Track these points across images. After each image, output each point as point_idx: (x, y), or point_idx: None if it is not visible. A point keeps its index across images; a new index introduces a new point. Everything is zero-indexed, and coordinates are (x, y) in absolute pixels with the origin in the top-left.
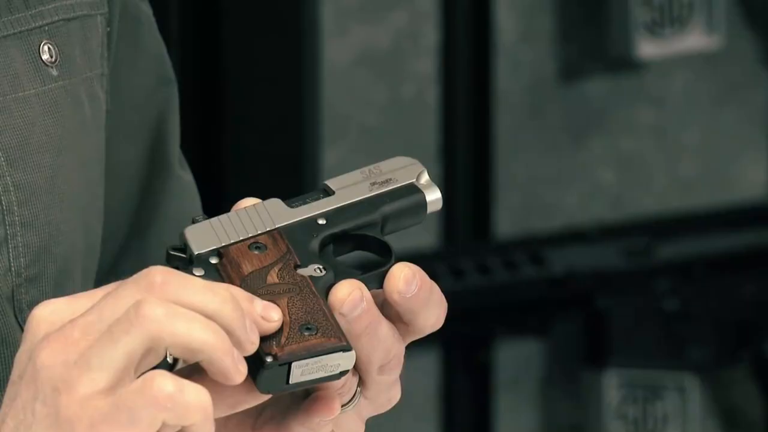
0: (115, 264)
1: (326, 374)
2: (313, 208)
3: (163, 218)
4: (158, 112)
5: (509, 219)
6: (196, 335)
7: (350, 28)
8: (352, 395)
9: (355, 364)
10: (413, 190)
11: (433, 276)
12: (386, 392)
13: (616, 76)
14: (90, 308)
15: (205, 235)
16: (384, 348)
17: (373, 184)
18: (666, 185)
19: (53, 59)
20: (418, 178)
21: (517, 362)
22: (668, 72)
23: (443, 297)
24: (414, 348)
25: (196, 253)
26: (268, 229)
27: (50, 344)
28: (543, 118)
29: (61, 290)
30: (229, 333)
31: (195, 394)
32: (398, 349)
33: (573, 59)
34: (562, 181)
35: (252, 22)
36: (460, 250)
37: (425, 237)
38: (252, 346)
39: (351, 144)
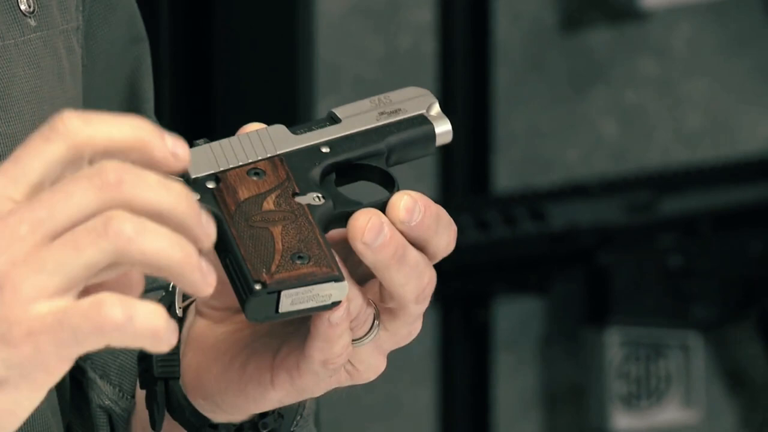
0: None
1: (317, 304)
2: (318, 136)
3: None
4: (131, 70)
5: (509, 173)
6: (164, 253)
7: None
8: (369, 328)
9: (391, 295)
10: (422, 120)
11: None
12: (409, 324)
13: (619, 26)
14: (35, 200)
15: (203, 159)
16: (417, 275)
17: (382, 113)
18: (670, 138)
19: (31, 9)
20: (428, 109)
21: (516, 320)
22: (673, 22)
23: (451, 219)
24: None
25: (192, 176)
26: (268, 155)
27: None
28: (543, 70)
29: None
30: (186, 230)
31: (145, 320)
32: (431, 274)
33: (574, 9)
34: (563, 134)
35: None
36: (458, 205)
37: (422, 191)
38: (209, 239)
39: (346, 97)
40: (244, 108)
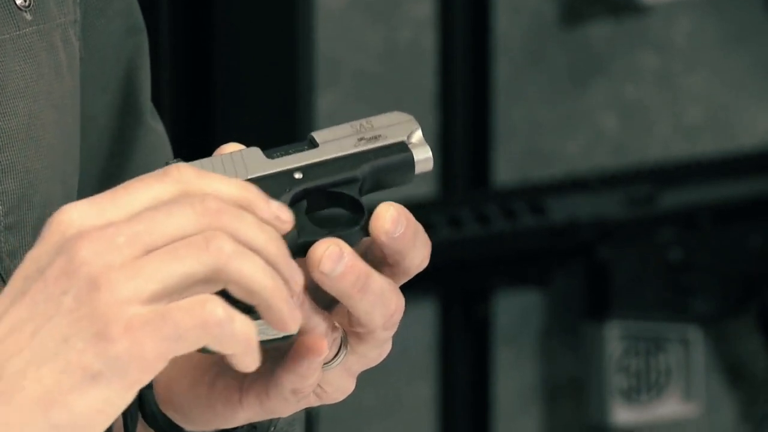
0: None
1: (271, 337)
2: (292, 161)
3: (134, 169)
4: (128, 62)
5: (509, 167)
6: (259, 277)
7: None
8: (336, 351)
9: (358, 322)
10: (402, 148)
11: (430, 226)
12: (378, 347)
13: (619, 20)
14: (133, 217)
15: None
16: (383, 302)
17: (361, 139)
18: (670, 132)
19: (27, 3)
20: (409, 136)
21: (516, 314)
22: (673, 16)
23: (426, 235)
24: (410, 300)
25: None
26: (239, 178)
27: (92, 242)
28: (544, 64)
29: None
30: (277, 269)
31: (243, 325)
32: (398, 300)
33: (574, 2)
34: (563, 127)
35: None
36: (458, 199)
37: (422, 185)
38: (297, 285)
39: (345, 90)
40: (244, 102)
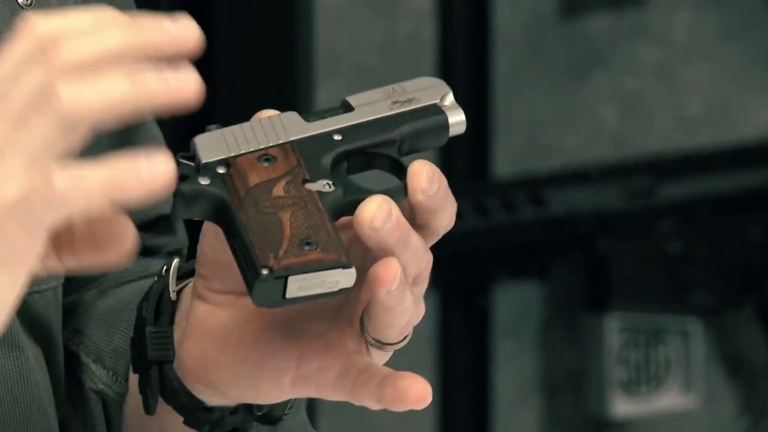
0: None
1: (325, 291)
2: (330, 123)
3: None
4: None
5: (508, 159)
6: (111, 97)
7: None
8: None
9: None
10: (436, 110)
11: None
12: (416, 307)
13: (619, 12)
14: None
15: (214, 144)
16: (417, 258)
17: (395, 102)
18: (669, 124)
19: (29, 2)
20: (442, 99)
21: (516, 306)
22: (672, 8)
23: (453, 196)
24: None
25: (203, 161)
26: (280, 142)
27: None
28: (543, 56)
29: None
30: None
31: (96, 176)
32: (429, 257)
33: None
34: (563, 120)
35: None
36: (458, 191)
37: None
38: (182, 33)
39: (346, 83)
40: (244, 95)
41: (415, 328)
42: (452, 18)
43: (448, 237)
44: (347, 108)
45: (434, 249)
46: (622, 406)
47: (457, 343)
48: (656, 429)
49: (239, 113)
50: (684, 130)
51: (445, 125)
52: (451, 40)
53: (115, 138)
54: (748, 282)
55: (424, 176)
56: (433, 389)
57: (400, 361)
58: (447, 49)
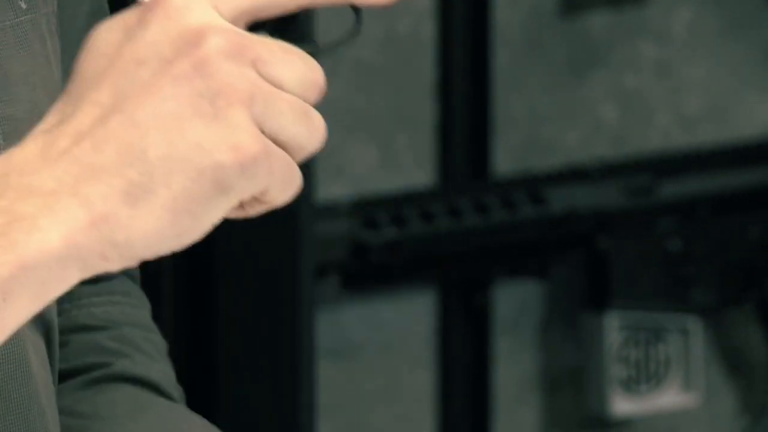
0: None
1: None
2: None
3: None
4: None
5: (508, 157)
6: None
7: None
8: None
9: None
10: None
11: (429, 216)
12: None
13: (619, 9)
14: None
15: None
16: None
17: None
18: (669, 122)
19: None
20: None
21: (515, 305)
22: (672, 6)
23: None
24: (409, 289)
25: None
26: None
27: (230, 61)
28: (543, 53)
29: None
30: None
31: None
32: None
33: None
34: (563, 117)
35: None
36: (457, 189)
37: (421, 176)
38: None
39: (345, 80)
40: None
41: (415, 325)
42: (452, 16)
43: (447, 235)
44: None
45: (434, 246)
46: (622, 405)
47: (457, 341)
48: (656, 428)
49: None
50: (684, 127)
51: None
52: (451, 38)
53: None
54: (749, 280)
55: None
56: (432, 387)
57: (401, 358)
58: (447, 46)
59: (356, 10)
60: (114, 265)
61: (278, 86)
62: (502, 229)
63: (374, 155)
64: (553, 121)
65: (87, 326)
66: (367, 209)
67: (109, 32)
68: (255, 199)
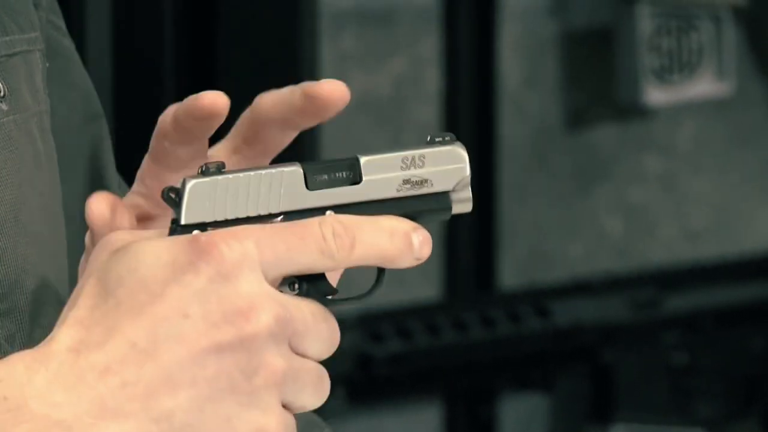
0: None
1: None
2: (331, 197)
3: None
4: (92, 150)
5: (514, 270)
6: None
7: (350, 74)
8: None
9: None
10: (444, 200)
11: (435, 328)
12: None
13: (624, 123)
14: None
15: (201, 201)
16: None
17: (406, 182)
18: (674, 235)
19: (2, 94)
20: (457, 185)
21: (521, 417)
22: (677, 119)
23: None
24: (415, 402)
25: (183, 222)
26: (270, 212)
27: (276, 344)
28: (549, 167)
29: (37, 322)
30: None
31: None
32: None
33: (579, 106)
34: (568, 230)
35: (247, 77)
36: (463, 302)
37: (427, 288)
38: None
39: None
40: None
41: None
42: (458, 129)
43: (453, 347)
44: (354, 174)
45: (439, 359)
46: None
47: None
48: None
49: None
50: (689, 241)
51: (448, 213)
52: None
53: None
54: (753, 392)
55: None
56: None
57: None
58: None
59: (381, 270)
60: None
61: (305, 356)
62: (507, 342)
63: None
64: (559, 235)
65: None
66: (373, 322)
67: (156, 262)
68: None
